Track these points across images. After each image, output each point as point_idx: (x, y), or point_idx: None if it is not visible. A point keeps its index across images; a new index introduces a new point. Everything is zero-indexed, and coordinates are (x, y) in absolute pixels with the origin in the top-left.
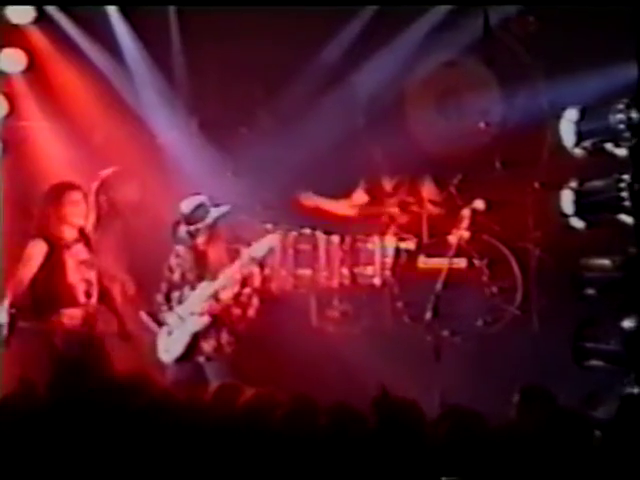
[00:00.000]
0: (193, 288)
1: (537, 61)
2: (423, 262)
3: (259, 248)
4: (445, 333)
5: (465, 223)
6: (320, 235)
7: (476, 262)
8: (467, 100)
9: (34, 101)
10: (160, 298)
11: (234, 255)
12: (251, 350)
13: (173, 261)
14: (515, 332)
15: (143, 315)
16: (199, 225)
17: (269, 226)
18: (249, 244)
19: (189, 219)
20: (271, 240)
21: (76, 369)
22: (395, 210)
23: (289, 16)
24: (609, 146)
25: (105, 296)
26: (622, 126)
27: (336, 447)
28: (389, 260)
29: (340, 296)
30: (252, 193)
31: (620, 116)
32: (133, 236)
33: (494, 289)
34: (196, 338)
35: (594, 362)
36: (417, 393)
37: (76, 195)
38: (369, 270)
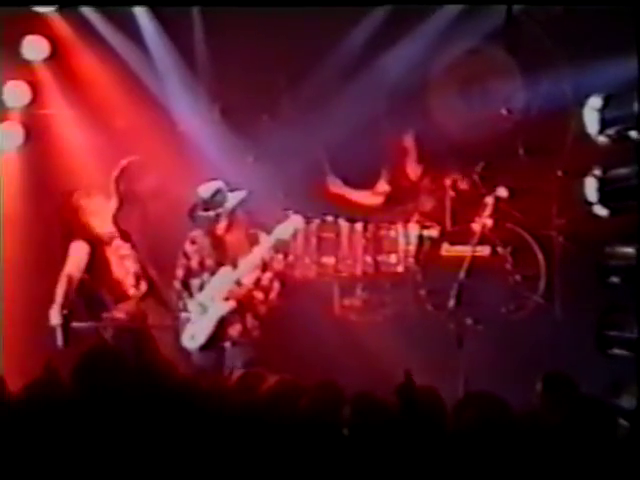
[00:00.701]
0: (213, 274)
1: (560, 48)
2: (446, 250)
3: (284, 230)
4: (468, 321)
5: (488, 211)
6: (343, 223)
7: (499, 250)
8: (490, 87)
9: (56, 89)
10: (178, 285)
11: (254, 240)
12: (274, 337)
13: (189, 248)
14: (538, 320)
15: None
16: (219, 210)
17: (291, 213)
18: (269, 230)
19: (207, 204)
20: (296, 221)
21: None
22: (418, 197)
23: (313, 3)
24: (633, 133)
25: (152, 286)
26: None
27: (359, 435)
28: (412, 248)
29: (363, 284)
30: (274, 180)
31: None
32: (154, 224)
33: (517, 277)
34: (222, 323)
35: (617, 350)
36: (440, 381)
37: (88, 192)
38: (392, 258)
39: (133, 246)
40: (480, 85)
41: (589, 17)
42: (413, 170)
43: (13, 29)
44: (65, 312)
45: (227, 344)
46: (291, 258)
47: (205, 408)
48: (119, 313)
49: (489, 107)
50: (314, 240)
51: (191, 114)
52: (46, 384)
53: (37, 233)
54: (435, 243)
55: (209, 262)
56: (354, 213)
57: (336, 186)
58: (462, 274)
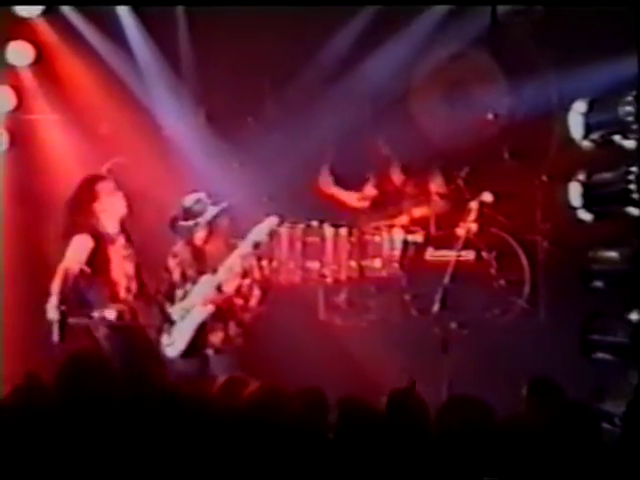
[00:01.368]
0: (195, 283)
1: (545, 53)
2: (431, 255)
3: (259, 231)
4: (453, 325)
5: (473, 215)
6: (328, 227)
7: (484, 254)
8: (475, 92)
9: (41, 94)
10: (160, 298)
11: (233, 249)
12: (259, 343)
13: (171, 262)
14: (523, 325)
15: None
16: (198, 219)
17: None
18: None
19: (187, 214)
20: (271, 222)
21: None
22: (403, 203)
23: (297, 7)
24: (617, 138)
25: (143, 290)
26: (630, 118)
27: (343, 439)
28: (397, 253)
29: (348, 289)
30: (259, 184)
31: (628, 108)
32: (138, 227)
33: (502, 282)
34: (201, 331)
35: (602, 355)
36: (424, 385)
37: (109, 184)
38: (377, 263)
39: (133, 248)
40: (465, 90)
41: (573, 21)
42: (397, 175)
43: None
44: (63, 308)
45: (209, 351)
46: (275, 263)
47: (188, 413)
48: (111, 313)
49: (474, 112)
50: (299, 245)
51: (176, 118)
52: (28, 391)
53: (22, 237)
54: (420, 248)
55: (190, 272)
56: (340, 215)
57: (327, 185)
58: (447, 279)
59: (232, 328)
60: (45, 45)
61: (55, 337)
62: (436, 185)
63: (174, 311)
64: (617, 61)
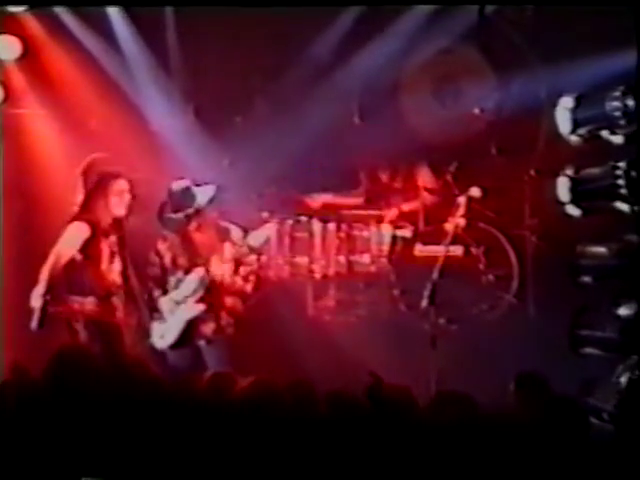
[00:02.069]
0: (187, 272)
1: (533, 48)
2: (419, 250)
3: (257, 237)
4: (441, 321)
5: (461, 211)
6: (316, 223)
7: (472, 250)
8: (463, 87)
9: (29, 88)
10: (151, 284)
11: (224, 236)
12: (247, 338)
13: (161, 246)
14: (511, 320)
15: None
16: (188, 211)
17: (265, 214)
18: (242, 226)
19: (176, 205)
20: (269, 229)
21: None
22: (391, 198)
23: (285, 4)
24: (605, 133)
25: (128, 287)
26: (618, 113)
27: (332, 434)
28: (385, 248)
29: (336, 284)
30: (248, 181)
31: (616, 103)
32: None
33: (490, 277)
34: (191, 324)
35: (590, 349)
36: (413, 381)
37: (123, 185)
38: (365, 258)
39: (123, 246)
40: (453, 85)
41: (561, 16)
42: (385, 170)
43: None
44: (47, 297)
45: (201, 342)
46: (264, 258)
47: (174, 409)
48: (90, 305)
49: (462, 107)
50: (287, 240)
51: (164, 114)
52: (15, 385)
53: (11, 232)
54: (408, 243)
55: (182, 261)
56: (327, 212)
57: (316, 200)
58: (435, 274)
59: (223, 318)
60: (32, 40)
61: (34, 324)
62: (424, 180)
63: (164, 302)
64: (605, 56)
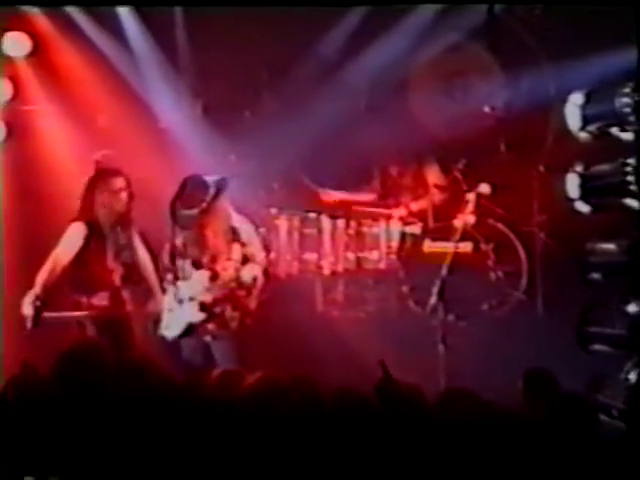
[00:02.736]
0: (193, 264)
1: (542, 45)
2: (428, 246)
3: (247, 273)
4: (450, 317)
5: (470, 207)
6: (325, 219)
7: (482, 246)
8: (472, 84)
9: (38, 85)
10: (166, 259)
11: (234, 238)
12: (256, 334)
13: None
14: (520, 316)
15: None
16: (202, 206)
17: (274, 210)
18: (252, 223)
19: (187, 200)
20: (258, 270)
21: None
22: (400, 194)
23: (294, 4)
24: (614, 130)
25: (138, 279)
26: (628, 110)
27: (339, 431)
28: (394, 245)
29: (345, 280)
30: (256, 177)
31: (626, 100)
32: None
33: (499, 273)
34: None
35: (599, 346)
36: (422, 377)
37: (119, 182)
38: (374, 254)
39: (131, 236)
40: (462, 82)
41: (570, 13)
42: (394, 167)
43: None
44: (38, 304)
45: (207, 338)
46: (273, 254)
47: (182, 406)
48: (98, 301)
49: (471, 104)
50: (296, 236)
51: (174, 110)
52: (24, 382)
53: (20, 229)
54: (417, 240)
55: (191, 250)
56: (336, 208)
57: (329, 195)
58: (444, 270)
59: (228, 312)
60: (42, 36)
61: (28, 326)
62: (433, 177)
63: (170, 293)
64: (614, 52)
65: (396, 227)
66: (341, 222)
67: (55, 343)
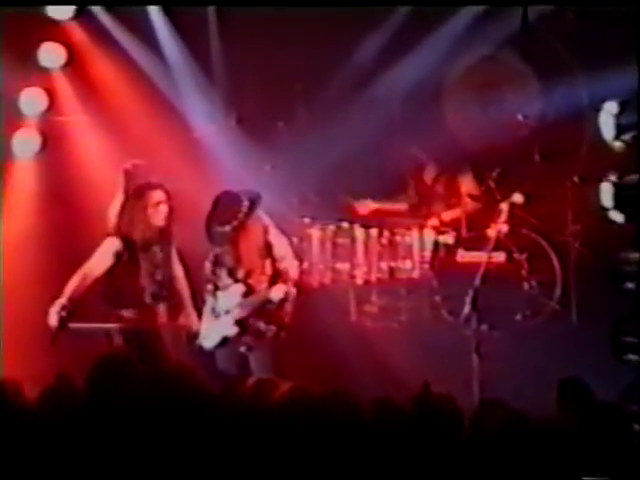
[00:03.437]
0: (230, 275)
1: (576, 54)
2: (462, 256)
3: (275, 294)
4: (483, 327)
5: (504, 217)
6: (358, 229)
7: (515, 256)
8: (506, 94)
9: (73, 96)
10: (209, 267)
11: (267, 253)
12: (289, 344)
13: None
14: (554, 326)
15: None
16: (234, 223)
17: (307, 220)
18: (286, 233)
19: (222, 216)
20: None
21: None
22: (434, 204)
23: (328, 10)
24: None
25: (173, 297)
26: None
27: (374, 442)
28: (428, 254)
29: (378, 290)
30: (290, 187)
31: None
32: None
33: (533, 283)
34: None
35: (633, 356)
36: (456, 388)
37: (160, 196)
38: (407, 264)
39: (169, 251)
40: (496, 92)
41: (604, 23)
42: (428, 176)
43: (30, 37)
44: (64, 314)
45: (242, 349)
46: (306, 264)
47: (218, 415)
48: (129, 314)
49: (505, 113)
50: (329, 246)
51: (207, 121)
52: (59, 393)
53: (54, 239)
54: (450, 249)
55: (227, 259)
56: (369, 217)
57: (365, 206)
58: (477, 280)
59: (262, 326)
60: (76, 47)
61: (51, 341)
62: (467, 186)
63: (207, 305)
64: None
65: (429, 236)
66: (374, 231)
67: (81, 353)
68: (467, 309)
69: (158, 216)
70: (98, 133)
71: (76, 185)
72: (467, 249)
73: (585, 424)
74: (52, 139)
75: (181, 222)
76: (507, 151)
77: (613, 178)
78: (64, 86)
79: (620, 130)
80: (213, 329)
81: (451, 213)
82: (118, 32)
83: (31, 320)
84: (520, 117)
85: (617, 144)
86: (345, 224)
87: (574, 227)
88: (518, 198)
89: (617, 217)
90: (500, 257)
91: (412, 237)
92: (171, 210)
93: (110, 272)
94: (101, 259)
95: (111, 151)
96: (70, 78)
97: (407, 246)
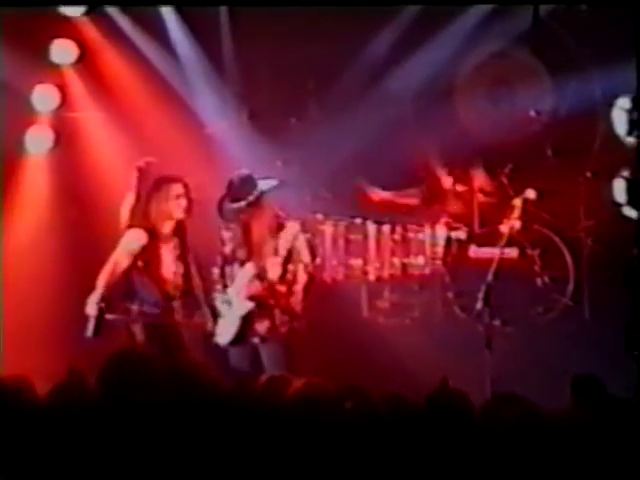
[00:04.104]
0: (242, 265)
1: (588, 49)
2: (474, 252)
3: (285, 241)
4: (496, 323)
5: (516, 212)
6: (371, 225)
7: (528, 252)
8: (518, 89)
9: (85, 92)
10: (216, 272)
11: (279, 233)
12: (301, 340)
13: (225, 234)
14: (567, 322)
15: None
16: (249, 199)
17: (319, 216)
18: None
19: (236, 194)
20: (292, 228)
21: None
22: (446, 199)
23: (339, 7)
24: None
25: (191, 290)
26: None
27: (387, 438)
28: (440, 250)
29: (391, 286)
30: (302, 183)
31: None
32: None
33: (546, 279)
34: (246, 321)
35: None
36: (468, 383)
37: (179, 189)
38: (420, 260)
39: (186, 250)
40: (508, 87)
41: (615, 18)
42: (441, 172)
43: (41, 33)
44: (102, 305)
45: (256, 340)
46: (319, 260)
47: (232, 412)
48: (149, 309)
49: (517, 109)
50: (342, 242)
51: (219, 117)
52: (71, 389)
53: (68, 235)
54: (463, 245)
55: (240, 253)
56: (381, 214)
57: (377, 194)
58: (490, 276)
59: (278, 316)
60: (88, 43)
61: (89, 332)
62: (480, 182)
63: (220, 300)
64: None
65: (442, 232)
66: (386, 228)
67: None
68: (479, 305)
69: (178, 209)
70: (110, 129)
71: (88, 181)
72: (480, 245)
73: (598, 420)
74: (65, 135)
75: (193, 218)
76: (519, 147)
77: (626, 173)
78: (76, 82)
79: (633, 125)
80: (227, 322)
81: (464, 209)
82: (130, 28)
83: (44, 315)
84: (532, 113)
85: (630, 139)
86: (357, 220)
87: (587, 223)
88: (531, 194)
89: (630, 213)
90: (513, 253)
91: (424, 233)
92: (190, 203)
93: (133, 264)
94: (128, 249)
95: (123, 147)
96: (82, 74)
97: (419, 242)
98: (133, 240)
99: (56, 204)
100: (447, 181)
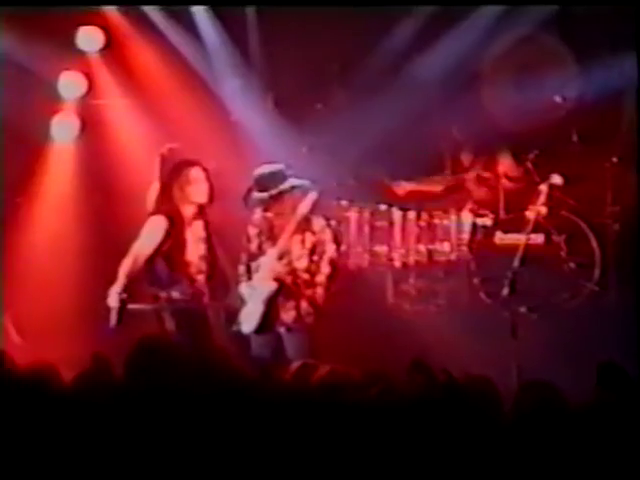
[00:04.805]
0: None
1: (614, 34)
2: (500, 238)
3: (304, 207)
4: (522, 309)
5: (542, 198)
6: (396, 211)
7: (554, 238)
8: (544, 75)
9: (111, 79)
10: (241, 269)
11: (306, 227)
12: (327, 327)
13: (251, 231)
14: (593, 308)
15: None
16: (272, 192)
17: (344, 202)
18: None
19: (263, 185)
20: (311, 198)
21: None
22: (472, 186)
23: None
24: None
25: (215, 272)
26: None
27: (412, 424)
28: (466, 236)
29: (416, 273)
30: (327, 169)
31: None
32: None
33: (572, 265)
34: (272, 307)
35: None
36: (494, 370)
37: (198, 172)
38: (445, 246)
39: (209, 233)
40: (533, 73)
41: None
42: (466, 158)
43: (68, 21)
44: (124, 296)
45: (282, 329)
46: (344, 247)
47: (257, 399)
48: (177, 294)
49: (543, 95)
50: (367, 229)
51: (245, 104)
52: (95, 375)
53: (93, 222)
54: (489, 231)
55: (266, 246)
56: (407, 200)
57: (402, 187)
58: (516, 262)
59: (304, 307)
60: (114, 31)
61: (112, 322)
62: (505, 168)
63: (243, 288)
64: None
65: (467, 219)
66: (412, 214)
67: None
68: (505, 291)
69: (198, 192)
70: (136, 117)
71: (114, 169)
72: (505, 231)
73: (624, 407)
74: (90, 123)
75: (217, 204)
76: (545, 132)
77: None
78: (102, 70)
79: None
80: (251, 307)
81: (489, 195)
82: (156, 16)
83: (70, 303)
84: (558, 98)
85: None
86: (383, 206)
87: (613, 208)
88: (557, 179)
89: None
90: (539, 239)
91: (450, 219)
92: (211, 187)
93: (157, 250)
94: (150, 237)
95: (149, 135)
96: (108, 62)
97: (445, 228)
98: (154, 227)
99: (81, 191)
100: (473, 167)
